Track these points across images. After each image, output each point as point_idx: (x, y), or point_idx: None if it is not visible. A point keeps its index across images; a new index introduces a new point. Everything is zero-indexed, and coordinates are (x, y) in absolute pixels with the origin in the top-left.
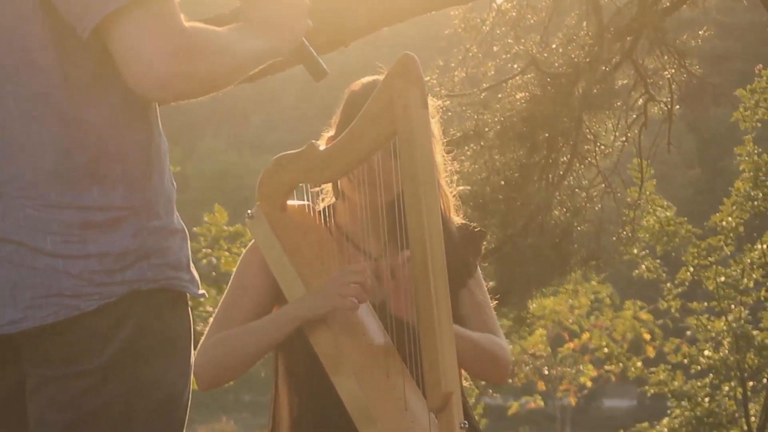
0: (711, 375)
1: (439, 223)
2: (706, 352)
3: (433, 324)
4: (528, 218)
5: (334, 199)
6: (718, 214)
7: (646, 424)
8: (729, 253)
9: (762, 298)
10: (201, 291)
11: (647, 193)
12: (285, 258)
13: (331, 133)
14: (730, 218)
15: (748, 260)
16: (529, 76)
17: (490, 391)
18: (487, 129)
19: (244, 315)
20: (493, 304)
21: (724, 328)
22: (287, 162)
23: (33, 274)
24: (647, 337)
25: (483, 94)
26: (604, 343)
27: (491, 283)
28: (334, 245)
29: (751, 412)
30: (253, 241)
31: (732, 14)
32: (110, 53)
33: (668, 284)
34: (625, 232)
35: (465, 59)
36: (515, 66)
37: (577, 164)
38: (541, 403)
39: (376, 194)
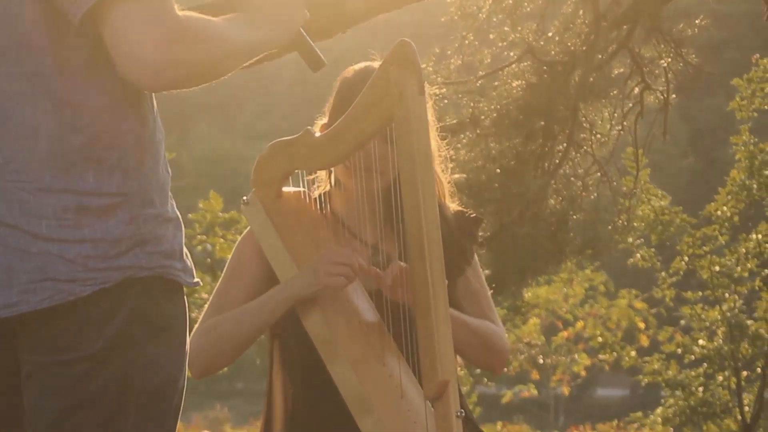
0: (705, 364)
1: (435, 211)
2: (701, 342)
3: (429, 312)
4: (523, 207)
5: (329, 186)
6: (713, 204)
7: (639, 414)
8: (724, 242)
9: (756, 288)
10: (195, 280)
11: (642, 182)
12: (280, 244)
13: (325, 120)
14: (725, 208)
15: (743, 250)
16: (525, 64)
17: (485, 380)
18: (483, 117)
19: (239, 301)
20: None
21: (719, 317)
22: (283, 148)
23: (28, 258)
24: (642, 325)
25: (479, 82)
26: (598, 332)
27: (486, 272)
28: (329, 232)
29: (745, 401)
30: (248, 227)
31: (728, 3)
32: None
33: (663, 273)
34: (620, 221)
35: (461, 47)
36: (511, 54)
37: (573, 153)
38: (535, 392)
39: (371, 180)
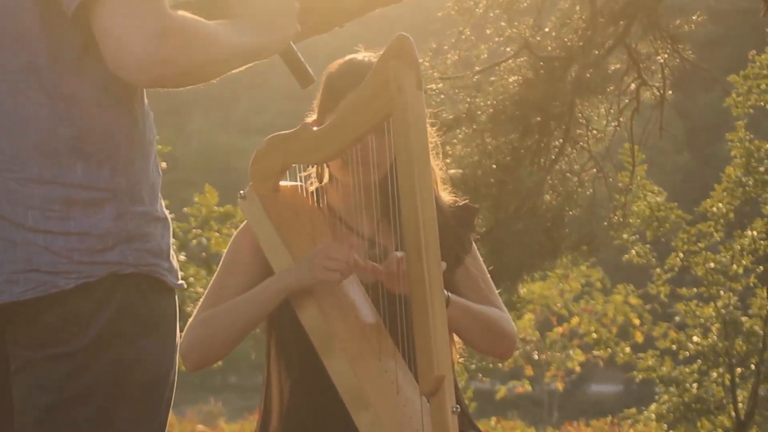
0: (699, 361)
1: (432, 207)
2: (695, 338)
3: (425, 307)
4: (519, 202)
5: (326, 181)
6: (708, 200)
7: (633, 410)
8: (719, 239)
9: (751, 285)
10: (180, 282)
11: (638, 178)
12: (277, 238)
13: (314, 116)
14: (720, 204)
15: (738, 246)
16: (522, 59)
17: (480, 375)
18: (479, 112)
19: (234, 295)
20: None
21: (713, 314)
22: (280, 143)
23: (13, 249)
24: (636, 322)
25: (476, 77)
26: (592, 328)
27: None
28: (326, 226)
29: (739, 398)
30: (245, 221)
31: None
32: None
33: (657, 270)
34: (616, 217)
35: (458, 42)
36: (508, 49)
37: (569, 148)
38: (529, 388)
39: (368, 174)
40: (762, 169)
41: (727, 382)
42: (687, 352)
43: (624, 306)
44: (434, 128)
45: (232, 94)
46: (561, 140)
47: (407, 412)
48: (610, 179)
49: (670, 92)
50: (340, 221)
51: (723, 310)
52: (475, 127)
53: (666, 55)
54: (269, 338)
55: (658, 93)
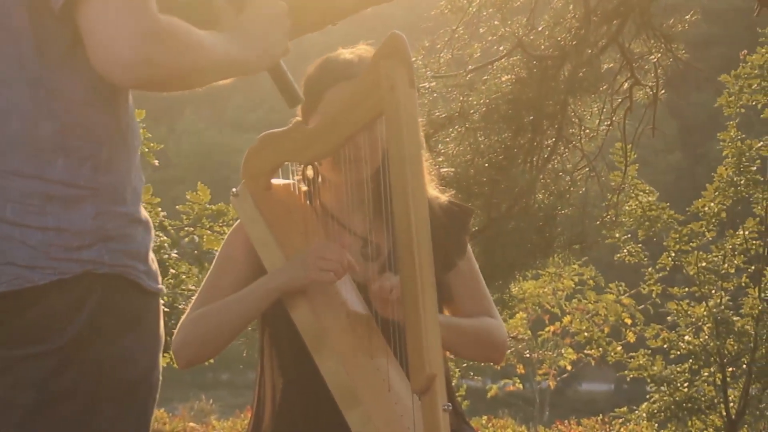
0: (690, 360)
1: (425, 206)
2: (687, 338)
3: (417, 305)
4: (512, 201)
5: (318, 179)
6: (700, 200)
7: (624, 409)
8: (710, 238)
9: (743, 284)
10: (159, 286)
11: (630, 177)
12: (269, 236)
13: (299, 117)
14: (712, 204)
15: (730, 246)
16: (515, 58)
17: (471, 373)
18: (472, 111)
19: (227, 293)
20: None
21: (705, 313)
22: (273, 140)
23: None
24: (628, 321)
25: (469, 76)
26: (584, 327)
27: None
28: (318, 224)
29: (730, 397)
30: (239, 220)
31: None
32: None
33: (650, 269)
34: (608, 216)
35: (451, 41)
36: (501, 48)
37: (562, 147)
38: (520, 386)
39: (360, 171)
40: (753, 168)
41: (719, 382)
42: (678, 352)
43: (616, 305)
44: (424, 124)
45: (224, 91)
46: (553, 139)
47: (398, 410)
48: (603, 178)
49: (663, 91)
50: (332, 219)
51: (714, 310)
52: (467, 125)
53: (659, 55)
54: (263, 336)
55: (650, 92)
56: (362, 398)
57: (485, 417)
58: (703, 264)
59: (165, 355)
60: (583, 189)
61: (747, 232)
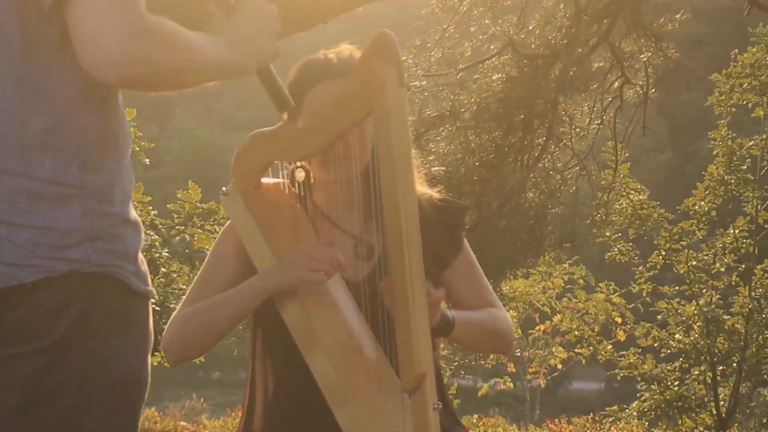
0: (681, 359)
1: (414, 204)
2: (677, 336)
3: (407, 304)
4: (502, 200)
5: (308, 176)
6: (690, 199)
7: (615, 408)
8: (701, 237)
9: (733, 283)
10: (149, 287)
11: (621, 176)
12: (259, 235)
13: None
14: (702, 202)
15: (720, 245)
16: (505, 57)
17: (462, 372)
18: (463, 110)
19: (218, 291)
20: None
21: (695, 312)
22: (263, 139)
23: None
24: (619, 320)
25: (459, 75)
26: (574, 326)
27: None
28: (309, 222)
29: (721, 396)
30: (230, 219)
31: None
32: None
33: (640, 268)
34: (598, 215)
35: (442, 39)
36: (492, 47)
37: (553, 146)
38: (511, 385)
39: (350, 168)
40: (744, 167)
41: (709, 380)
42: (669, 350)
43: (606, 304)
44: (414, 122)
45: (214, 90)
46: (544, 138)
47: (388, 409)
48: (593, 177)
49: (654, 90)
50: (323, 218)
51: (705, 308)
52: (458, 124)
53: (649, 54)
54: (254, 335)
55: (641, 91)
56: (352, 397)
57: (476, 416)
58: (694, 263)
59: (155, 354)
60: (574, 188)
61: (737, 231)
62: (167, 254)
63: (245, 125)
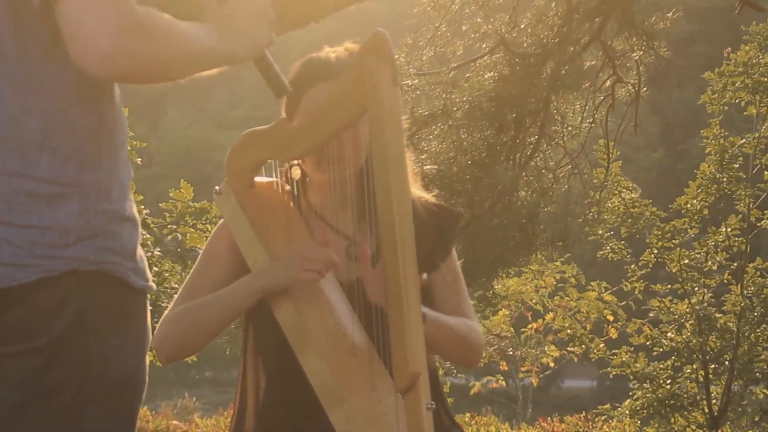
0: (673, 357)
1: (408, 204)
2: (669, 335)
3: (401, 304)
4: (495, 198)
5: (287, 180)
6: (683, 197)
7: (607, 406)
8: (693, 235)
9: (725, 281)
10: (149, 283)
11: (613, 174)
12: (252, 234)
13: (284, 115)
14: (694, 201)
15: (712, 243)
16: (497, 55)
17: (455, 371)
18: (455, 108)
19: (210, 290)
20: None
21: (687, 310)
22: (256, 138)
23: None
24: (611, 318)
25: (451, 74)
26: (567, 325)
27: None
28: (302, 221)
29: (713, 394)
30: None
31: None
32: None
33: (632, 266)
34: (590, 214)
35: (434, 38)
36: (484, 45)
37: (545, 145)
38: (503, 383)
39: (344, 169)
40: (736, 165)
41: (701, 379)
42: (661, 349)
43: (597, 302)
44: (407, 122)
45: (207, 88)
46: (536, 136)
47: (382, 409)
48: (585, 176)
49: (645, 89)
50: (317, 217)
51: (697, 307)
52: (450, 123)
53: (641, 52)
54: (246, 334)
55: (632, 90)
56: (346, 397)
57: (468, 414)
58: (686, 261)
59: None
60: (566, 186)
61: (729, 229)
62: (159, 253)
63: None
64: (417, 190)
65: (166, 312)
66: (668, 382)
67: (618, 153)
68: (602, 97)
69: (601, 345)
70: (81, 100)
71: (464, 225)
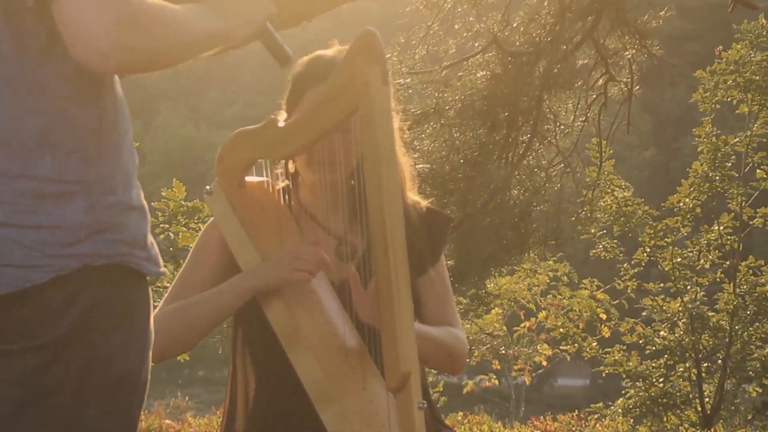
0: (666, 356)
1: (399, 204)
2: (662, 333)
3: (392, 304)
4: (487, 197)
5: (287, 178)
6: (675, 195)
7: (600, 405)
8: (685, 234)
9: (718, 280)
10: (161, 269)
11: (605, 173)
12: (243, 234)
13: (284, 114)
14: (687, 199)
15: (705, 241)
16: (490, 54)
17: None
18: (447, 107)
19: (200, 289)
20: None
21: (680, 309)
22: (246, 138)
23: None
24: (603, 316)
25: (444, 72)
26: (559, 323)
27: (449, 262)
28: (293, 221)
29: (706, 393)
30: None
31: None
32: None
33: (625, 265)
34: (583, 212)
35: (426, 37)
36: (476, 44)
37: (537, 144)
38: (496, 382)
39: (334, 173)
40: (728, 164)
41: (694, 377)
42: (654, 347)
43: (590, 301)
44: (404, 124)
45: (200, 87)
46: (529, 135)
47: (373, 408)
48: (578, 174)
49: (638, 87)
50: (307, 216)
51: (690, 305)
52: (443, 122)
53: (634, 51)
54: (236, 333)
55: (625, 88)
56: (337, 396)
57: (461, 413)
58: (678, 259)
59: None
60: (559, 185)
61: (722, 228)
62: None
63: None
64: (413, 195)
65: (156, 311)
66: (661, 380)
67: (610, 151)
68: (595, 96)
69: (594, 344)
70: (81, 95)
71: (456, 224)
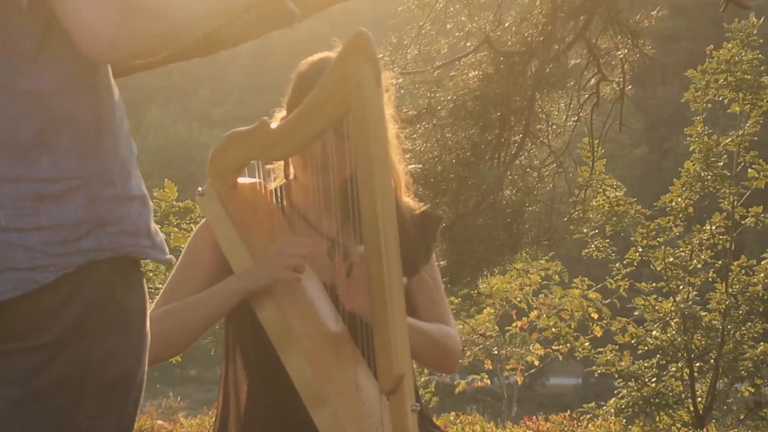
0: (658, 355)
1: (392, 203)
2: (654, 333)
3: (385, 306)
4: (479, 197)
5: (290, 177)
6: (667, 195)
7: (593, 405)
8: (678, 233)
9: (710, 279)
10: (168, 256)
11: (597, 173)
12: (235, 235)
13: (284, 113)
14: (679, 199)
15: (697, 241)
16: (482, 54)
17: None
18: (439, 107)
19: (192, 291)
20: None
21: (672, 308)
22: (238, 139)
23: None
24: (595, 316)
25: (436, 72)
26: (551, 323)
27: (442, 262)
28: (285, 223)
29: (698, 392)
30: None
31: None
32: (55, 21)
33: (617, 264)
34: (576, 212)
35: (418, 36)
36: (468, 44)
37: (529, 143)
38: (488, 382)
39: (327, 177)
40: (720, 164)
41: (686, 377)
42: (646, 347)
43: (581, 300)
44: (402, 132)
45: (191, 87)
46: (521, 135)
47: (366, 410)
48: (570, 174)
49: (630, 87)
50: (298, 216)
51: (682, 305)
52: (435, 122)
53: (626, 50)
54: (227, 334)
55: (617, 88)
56: (330, 398)
57: (453, 413)
58: (671, 259)
59: None
60: (551, 185)
61: (714, 227)
62: None
63: (222, 122)
64: (408, 199)
65: (148, 313)
66: (653, 380)
67: (602, 151)
68: (587, 96)
69: (586, 343)
70: (76, 89)
71: (449, 224)
